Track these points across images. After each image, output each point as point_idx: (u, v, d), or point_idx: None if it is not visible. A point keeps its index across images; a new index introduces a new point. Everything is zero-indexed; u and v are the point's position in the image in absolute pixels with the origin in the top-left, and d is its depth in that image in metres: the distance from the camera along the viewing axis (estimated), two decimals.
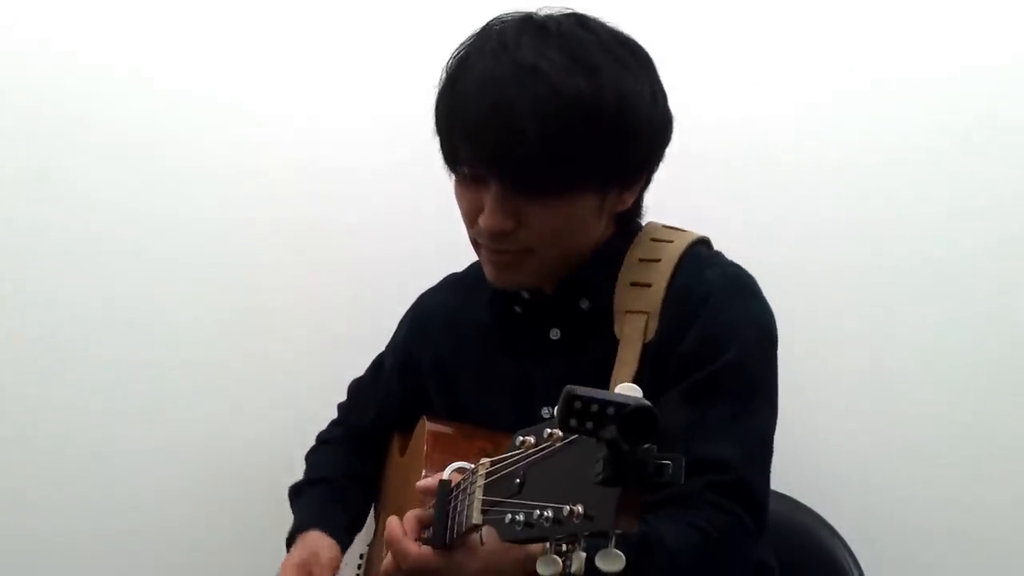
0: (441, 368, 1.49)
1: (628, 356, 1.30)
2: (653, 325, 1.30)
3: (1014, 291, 1.82)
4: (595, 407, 0.74)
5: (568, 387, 0.74)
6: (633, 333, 1.31)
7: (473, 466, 1.05)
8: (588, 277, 1.35)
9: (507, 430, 1.36)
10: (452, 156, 1.29)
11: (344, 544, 1.52)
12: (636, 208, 1.39)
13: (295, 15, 1.89)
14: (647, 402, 0.75)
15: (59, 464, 1.86)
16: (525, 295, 1.39)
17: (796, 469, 1.58)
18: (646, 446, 0.75)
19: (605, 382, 1.29)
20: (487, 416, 1.43)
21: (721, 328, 1.29)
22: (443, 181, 1.33)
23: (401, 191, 1.84)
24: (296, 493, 1.60)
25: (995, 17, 1.81)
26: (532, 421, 1.33)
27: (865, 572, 1.61)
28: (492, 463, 0.95)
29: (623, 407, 0.74)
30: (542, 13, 1.29)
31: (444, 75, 1.30)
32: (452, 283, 1.55)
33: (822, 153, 1.86)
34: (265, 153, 1.90)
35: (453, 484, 1.09)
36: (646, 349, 1.30)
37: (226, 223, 1.89)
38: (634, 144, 1.26)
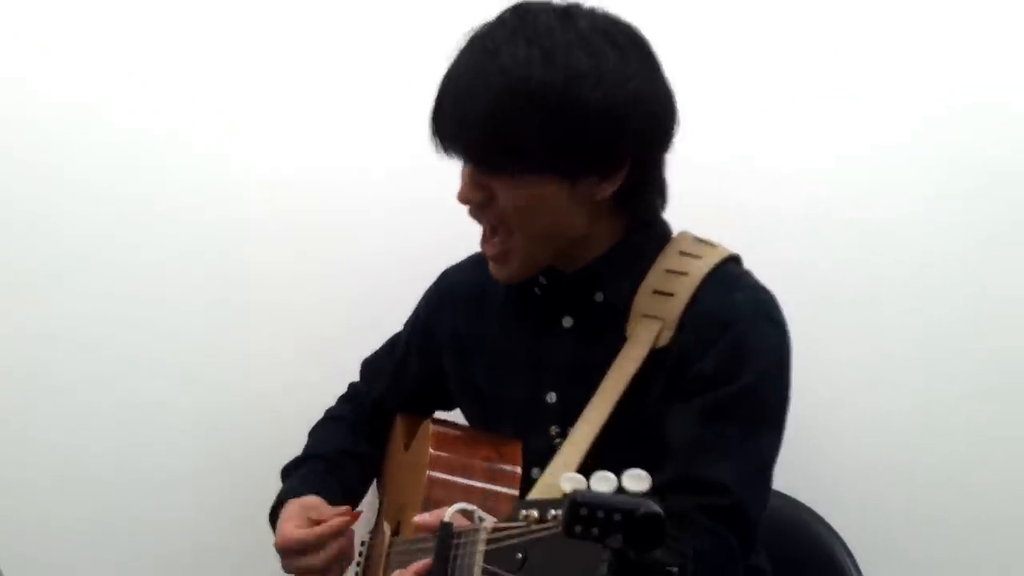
0: (458, 341, 1.51)
1: (633, 354, 1.31)
2: (667, 334, 1.31)
3: (1013, 290, 1.81)
4: (601, 513, 0.73)
5: (572, 493, 0.73)
6: (643, 336, 1.31)
7: (476, 509, 1.04)
8: (604, 270, 1.36)
9: (514, 422, 1.42)
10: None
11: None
12: (640, 202, 1.36)
13: (296, 15, 1.87)
14: (656, 507, 0.74)
15: (58, 464, 1.86)
16: (543, 280, 1.40)
17: (793, 467, 1.57)
18: (653, 552, 0.74)
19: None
20: (496, 392, 1.46)
21: (743, 353, 1.29)
22: (445, 179, 1.34)
23: (405, 187, 1.83)
24: (287, 471, 1.58)
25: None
26: (539, 401, 1.40)
27: (862, 569, 1.62)
28: (494, 528, 0.94)
29: (631, 513, 0.73)
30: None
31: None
32: (478, 260, 1.53)
33: (818, 153, 1.84)
34: (265, 149, 1.87)
35: (455, 529, 1.07)
36: (654, 355, 1.30)
37: (225, 219, 1.87)
38: (587, 129, 1.24)
